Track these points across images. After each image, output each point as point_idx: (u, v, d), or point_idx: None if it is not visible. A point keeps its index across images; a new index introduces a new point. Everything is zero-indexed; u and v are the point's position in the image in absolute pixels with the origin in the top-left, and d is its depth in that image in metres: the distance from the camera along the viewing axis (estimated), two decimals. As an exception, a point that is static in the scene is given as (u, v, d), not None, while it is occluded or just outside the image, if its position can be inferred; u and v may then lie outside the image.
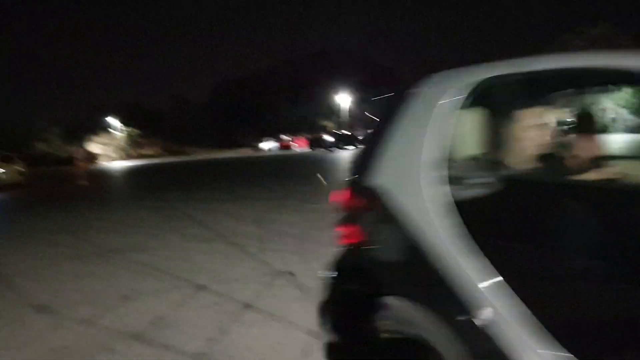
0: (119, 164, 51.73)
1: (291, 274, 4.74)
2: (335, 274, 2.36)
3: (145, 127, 73.14)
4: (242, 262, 5.37)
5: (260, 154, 56.05)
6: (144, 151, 69.18)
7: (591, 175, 2.07)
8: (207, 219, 8.65)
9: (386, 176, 2.09)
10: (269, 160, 35.05)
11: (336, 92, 69.59)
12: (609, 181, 2.01)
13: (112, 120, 68.87)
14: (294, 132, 69.12)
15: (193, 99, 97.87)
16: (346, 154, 35.53)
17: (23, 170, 21.79)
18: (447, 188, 1.84)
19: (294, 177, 18.33)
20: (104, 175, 29.83)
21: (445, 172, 1.87)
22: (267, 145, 64.14)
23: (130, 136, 69.49)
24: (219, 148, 72.39)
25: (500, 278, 1.61)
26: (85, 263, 5.77)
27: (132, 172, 30.97)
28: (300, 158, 34.71)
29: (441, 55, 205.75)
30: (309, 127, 73.03)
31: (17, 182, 20.24)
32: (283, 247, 5.95)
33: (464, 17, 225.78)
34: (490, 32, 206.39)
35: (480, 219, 1.85)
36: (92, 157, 52.12)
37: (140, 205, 11.44)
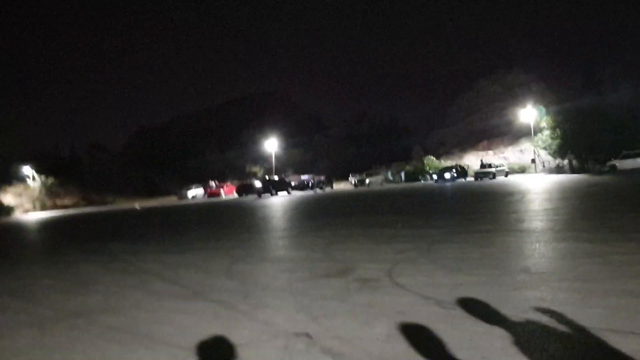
0: (35, 215, 48.55)
1: (308, 335, 4.10)
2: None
3: (62, 176, 69.79)
4: (238, 323, 4.65)
5: (186, 202, 54.23)
6: (61, 201, 65.76)
7: None
8: (167, 272, 7.80)
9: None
10: (196, 209, 33.79)
11: (264, 138, 69.45)
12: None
13: (26, 169, 65.09)
14: (221, 178, 67.90)
15: (111, 147, 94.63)
16: (278, 200, 34.94)
17: None
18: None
19: (234, 225, 17.57)
20: (23, 228, 27.75)
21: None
22: (193, 193, 61.96)
23: (45, 185, 65.92)
24: (142, 196, 69.88)
25: None
26: (48, 331, 4.84)
27: (53, 224, 28.88)
28: (230, 206, 33.71)
29: (364, 102, 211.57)
30: (237, 173, 72.03)
31: None
32: (278, 303, 5.29)
33: (382, 65, 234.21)
34: (409, 78, 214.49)
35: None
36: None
37: (82, 260, 10.29)
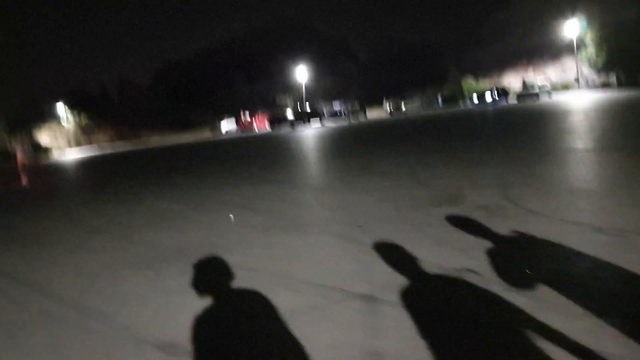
0: (73, 154, 49.03)
1: (473, 271, 3.60)
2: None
3: (94, 113, 70.04)
4: (379, 258, 4.16)
5: (220, 137, 53.76)
6: (95, 138, 66.24)
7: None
8: (254, 204, 7.39)
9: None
10: (240, 143, 33.46)
11: (291, 67, 68.03)
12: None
13: (59, 108, 65.37)
14: (251, 109, 67.27)
15: (140, 82, 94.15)
16: (314, 132, 34.14)
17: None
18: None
19: (289, 157, 17.16)
20: (70, 167, 27.91)
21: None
22: (226, 127, 60.32)
23: (80, 123, 66.34)
24: (174, 131, 69.89)
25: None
26: (166, 272, 4.43)
27: (99, 162, 28.92)
28: (269, 139, 33.16)
29: (391, 24, 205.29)
30: (267, 104, 71.22)
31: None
32: (404, 236, 4.75)
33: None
34: None
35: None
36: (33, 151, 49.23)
37: (152, 195, 9.96)
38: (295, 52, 77.39)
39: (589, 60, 47.74)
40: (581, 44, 48.62)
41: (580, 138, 11.68)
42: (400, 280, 3.55)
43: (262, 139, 32.89)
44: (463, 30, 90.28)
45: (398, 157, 12.23)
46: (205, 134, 61.77)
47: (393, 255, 4.20)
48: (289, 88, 72.02)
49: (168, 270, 4.47)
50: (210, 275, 4.19)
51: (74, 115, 65.35)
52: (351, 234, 5.03)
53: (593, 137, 11.47)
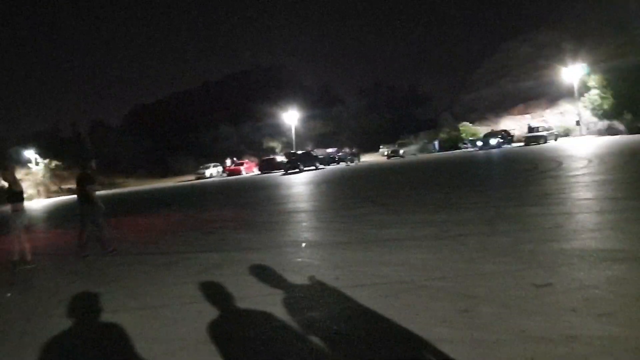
0: (42, 203, 47.83)
1: None
2: None
3: (66, 157, 68.51)
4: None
5: (208, 180, 53.60)
6: (66, 185, 64.65)
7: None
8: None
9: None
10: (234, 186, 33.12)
11: (278, 111, 68.34)
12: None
13: (27, 153, 63.84)
14: (237, 154, 67.18)
15: (114, 125, 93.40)
16: (314, 175, 33.85)
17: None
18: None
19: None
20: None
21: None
22: (211, 171, 60.42)
23: (49, 169, 64.86)
24: (154, 177, 69.07)
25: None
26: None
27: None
28: (276, 182, 32.86)
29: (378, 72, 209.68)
30: (254, 148, 71.26)
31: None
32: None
33: (401, 30, 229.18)
34: (431, 43, 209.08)
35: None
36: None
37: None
38: (277, 97, 78.09)
39: (592, 104, 48.91)
40: (584, 88, 49.87)
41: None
42: None
43: (265, 183, 32.58)
44: (453, 78, 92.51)
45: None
46: (189, 179, 61.08)
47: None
48: (277, 132, 72.30)
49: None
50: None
51: (43, 160, 63.72)
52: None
53: None
